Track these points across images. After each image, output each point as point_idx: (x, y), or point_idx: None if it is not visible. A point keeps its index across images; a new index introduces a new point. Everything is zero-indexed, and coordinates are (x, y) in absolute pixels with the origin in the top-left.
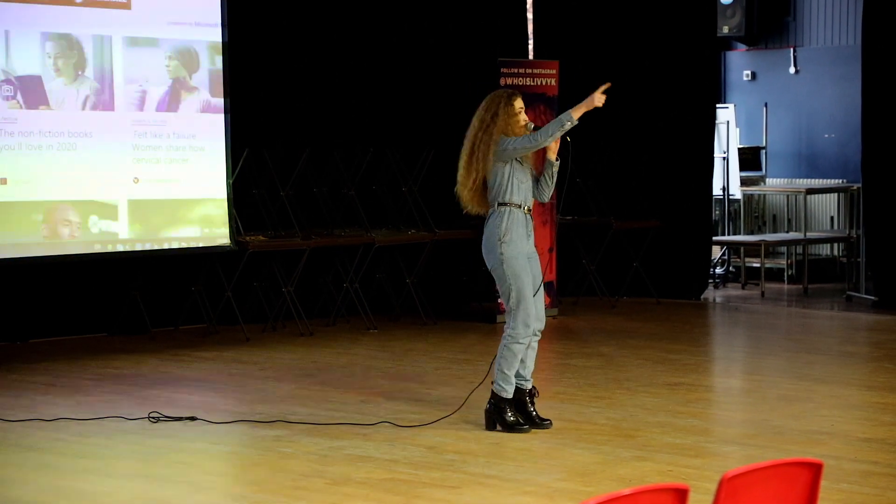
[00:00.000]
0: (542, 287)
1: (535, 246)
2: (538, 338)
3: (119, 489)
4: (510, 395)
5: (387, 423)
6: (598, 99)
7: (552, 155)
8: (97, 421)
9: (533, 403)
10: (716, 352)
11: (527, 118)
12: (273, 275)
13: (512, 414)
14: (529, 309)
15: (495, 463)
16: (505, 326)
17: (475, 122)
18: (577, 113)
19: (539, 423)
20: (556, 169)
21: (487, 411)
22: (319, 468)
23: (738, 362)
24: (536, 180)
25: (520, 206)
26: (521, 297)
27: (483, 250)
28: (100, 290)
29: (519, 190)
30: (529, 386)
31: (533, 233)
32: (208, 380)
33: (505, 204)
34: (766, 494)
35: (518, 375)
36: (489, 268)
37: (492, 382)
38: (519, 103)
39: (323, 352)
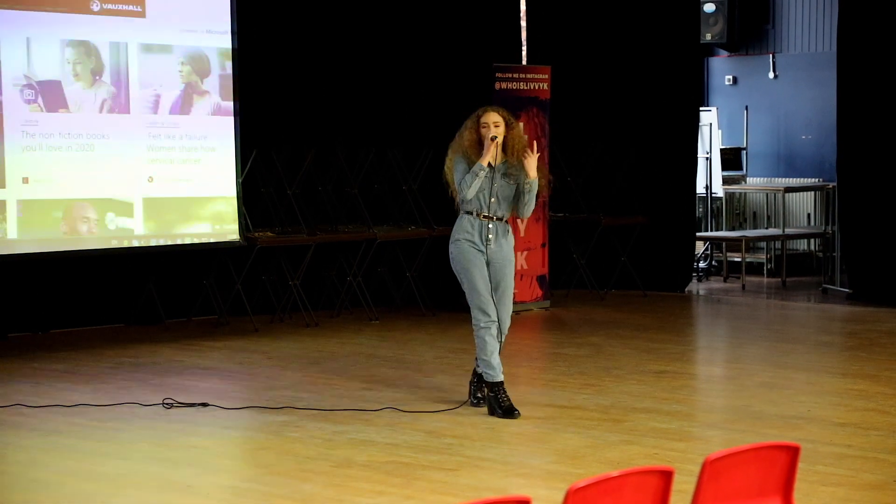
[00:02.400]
0: (508, 291)
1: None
2: (502, 338)
3: (135, 471)
4: (499, 378)
5: (389, 409)
6: (492, 147)
7: (532, 173)
8: (114, 407)
9: (480, 388)
10: (699, 341)
11: (493, 132)
12: (280, 269)
13: (506, 398)
14: (482, 297)
15: (491, 446)
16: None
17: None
18: (484, 161)
19: (475, 403)
20: (530, 187)
21: (487, 398)
22: (324, 451)
23: (720, 351)
24: (520, 195)
25: (471, 213)
26: (471, 288)
27: None
28: (116, 283)
29: (475, 198)
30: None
31: (503, 239)
32: (219, 368)
33: (463, 211)
34: (747, 476)
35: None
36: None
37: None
38: (487, 118)
39: (328, 342)
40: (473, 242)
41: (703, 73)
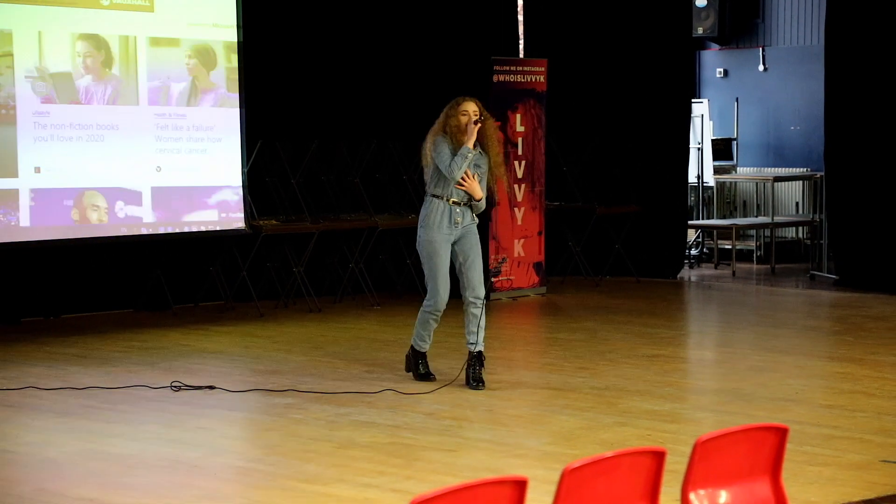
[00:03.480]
0: (476, 260)
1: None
2: (476, 304)
3: (144, 451)
4: (423, 350)
5: (389, 391)
6: (475, 131)
7: (467, 143)
8: (124, 389)
9: (474, 366)
10: (691, 326)
11: (469, 120)
12: (284, 256)
13: (423, 366)
14: (439, 285)
15: (489, 428)
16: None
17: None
18: (470, 143)
19: (474, 385)
20: (477, 208)
21: (406, 356)
22: (327, 433)
23: (710, 336)
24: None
25: (440, 197)
26: (433, 275)
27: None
28: (126, 269)
29: (447, 185)
30: (475, 350)
31: (468, 219)
32: (225, 352)
33: (432, 195)
34: (737, 456)
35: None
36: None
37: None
38: (465, 106)
39: (330, 326)
40: (442, 228)
41: (694, 65)
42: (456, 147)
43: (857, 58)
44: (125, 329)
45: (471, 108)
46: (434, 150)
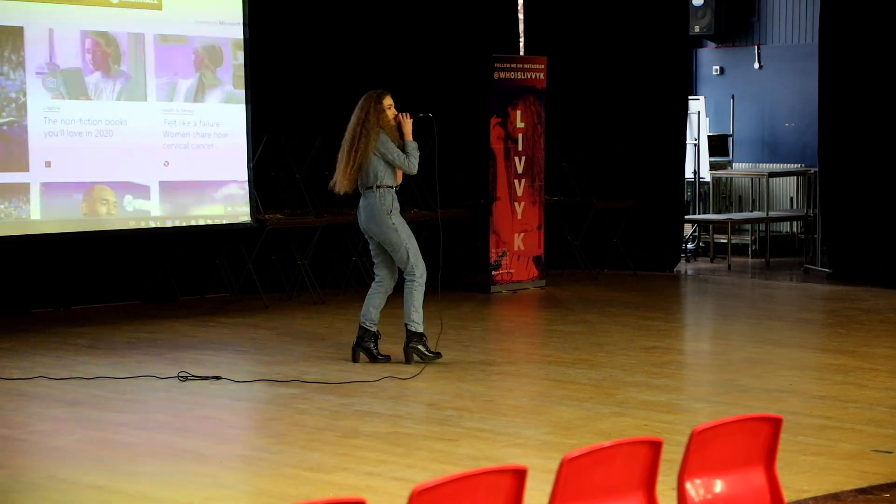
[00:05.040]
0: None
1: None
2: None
3: (152, 440)
4: (422, 329)
5: (389, 378)
6: (409, 123)
7: (409, 137)
8: (132, 379)
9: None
10: (687, 319)
11: (395, 113)
12: (289, 249)
13: (428, 345)
14: (420, 257)
15: (489, 418)
16: (406, 275)
17: (353, 119)
18: (410, 136)
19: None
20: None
21: (412, 349)
22: (331, 423)
23: (706, 328)
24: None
25: (391, 187)
26: (415, 251)
27: (369, 223)
28: (134, 262)
29: (393, 174)
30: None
31: None
32: (231, 343)
33: (384, 186)
34: (732, 446)
35: (370, 319)
36: (378, 237)
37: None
38: (387, 101)
39: (334, 318)
40: (399, 211)
41: (691, 63)
42: (394, 139)
43: (851, 56)
44: (133, 320)
45: (391, 101)
46: (384, 147)
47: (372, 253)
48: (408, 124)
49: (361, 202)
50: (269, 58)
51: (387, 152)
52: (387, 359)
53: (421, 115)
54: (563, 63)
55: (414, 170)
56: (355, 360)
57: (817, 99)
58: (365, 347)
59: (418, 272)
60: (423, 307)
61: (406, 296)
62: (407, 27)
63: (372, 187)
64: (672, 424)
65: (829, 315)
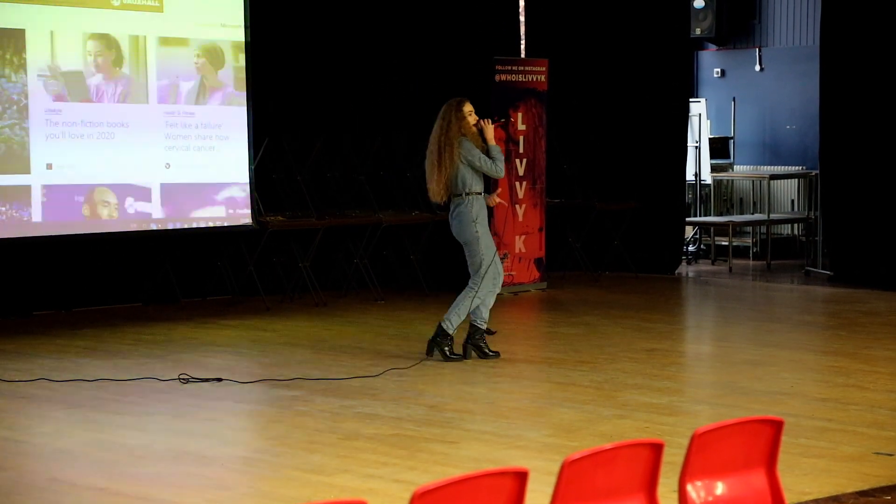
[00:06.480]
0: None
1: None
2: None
3: (153, 442)
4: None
5: (392, 370)
6: (491, 128)
7: (493, 142)
8: (133, 381)
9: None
10: (688, 321)
11: (476, 118)
12: (291, 251)
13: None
14: (490, 272)
15: (490, 420)
16: (471, 281)
17: (435, 128)
18: (492, 141)
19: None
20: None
21: (472, 345)
22: (332, 425)
23: (707, 330)
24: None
25: (479, 193)
26: (489, 265)
27: (458, 230)
28: (135, 264)
29: (481, 180)
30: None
31: None
32: (233, 345)
33: (473, 193)
34: (733, 448)
35: (481, 317)
36: (462, 242)
37: (444, 321)
38: (466, 108)
39: (335, 320)
40: (486, 219)
41: (692, 66)
42: (477, 145)
43: (852, 58)
44: (134, 322)
45: (470, 107)
46: (469, 155)
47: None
48: (489, 129)
49: (452, 209)
50: (271, 60)
51: (473, 159)
52: (496, 355)
53: (500, 119)
54: (565, 65)
55: (501, 173)
56: (449, 356)
57: (818, 101)
58: (475, 344)
59: (480, 285)
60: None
61: (459, 298)
62: (408, 29)
63: (461, 194)
64: (673, 427)
65: (831, 317)
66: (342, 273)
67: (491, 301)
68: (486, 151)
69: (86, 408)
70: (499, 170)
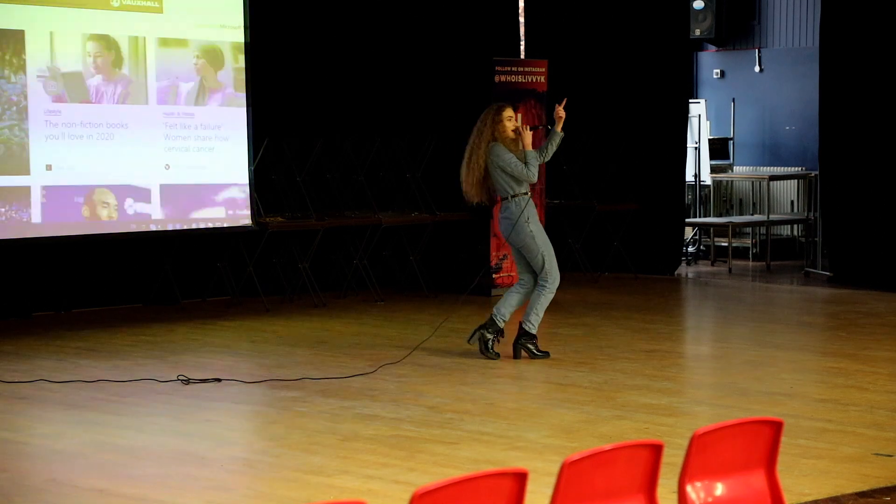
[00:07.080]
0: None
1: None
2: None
3: (152, 443)
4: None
5: (387, 364)
6: (529, 135)
7: (529, 147)
8: (133, 382)
9: (519, 338)
10: (688, 322)
11: (515, 125)
12: (290, 252)
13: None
14: (555, 265)
15: (489, 421)
16: (540, 280)
17: (473, 131)
18: (530, 147)
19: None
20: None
21: (522, 345)
22: (332, 426)
23: (707, 331)
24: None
25: (526, 194)
26: (550, 258)
27: (508, 233)
28: (135, 265)
29: (523, 183)
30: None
31: None
32: (232, 346)
33: (519, 195)
34: (733, 449)
35: (502, 315)
36: (517, 245)
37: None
38: (506, 113)
39: (335, 321)
40: (537, 217)
41: (692, 66)
42: (514, 150)
43: (851, 59)
44: (134, 323)
45: (511, 113)
46: (500, 160)
47: (514, 259)
48: (527, 135)
49: (500, 212)
50: (270, 61)
51: (504, 165)
52: (496, 356)
53: (538, 126)
54: (564, 66)
55: (534, 178)
56: (516, 356)
57: (818, 102)
58: (484, 338)
59: (550, 279)
60: (512, 309)
61: (533, 297)
62: (407, 30)
63: (507, 198)
64: (673, 427)
65: (830, 318)
66: (342, 274)
67: (518, 302)
68: (524, 157)
69: (85, 409)
70: (531, 174)
